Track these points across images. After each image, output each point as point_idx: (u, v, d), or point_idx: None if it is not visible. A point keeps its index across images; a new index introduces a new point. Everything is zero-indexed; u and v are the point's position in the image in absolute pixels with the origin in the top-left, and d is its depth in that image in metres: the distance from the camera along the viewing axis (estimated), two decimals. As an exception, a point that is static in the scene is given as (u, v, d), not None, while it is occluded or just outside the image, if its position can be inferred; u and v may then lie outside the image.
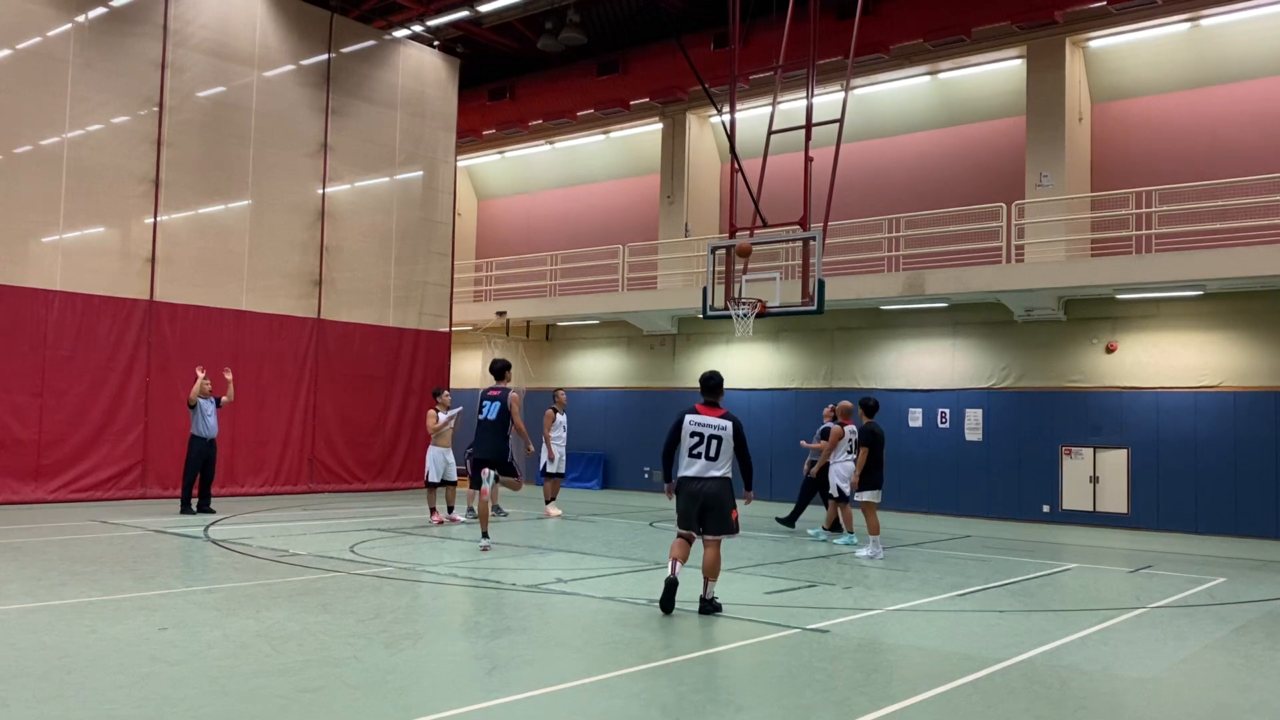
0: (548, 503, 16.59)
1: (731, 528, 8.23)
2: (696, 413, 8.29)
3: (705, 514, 8.12)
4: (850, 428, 13.57)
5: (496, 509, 15.78)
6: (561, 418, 16.75)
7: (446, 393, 15.37)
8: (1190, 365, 16.95)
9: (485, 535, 11.66)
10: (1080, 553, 13.58)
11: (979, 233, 18.42)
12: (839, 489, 13.61)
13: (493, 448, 11.57)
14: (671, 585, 8.02)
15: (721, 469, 8.17)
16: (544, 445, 16.47)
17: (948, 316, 19.24)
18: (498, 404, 11.65)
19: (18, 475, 15.83)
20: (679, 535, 8.27)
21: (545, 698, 5.57)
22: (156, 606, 7.83)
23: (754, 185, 14.52)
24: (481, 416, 11.69)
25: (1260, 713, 5.78)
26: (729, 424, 8.22)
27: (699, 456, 8.15)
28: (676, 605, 8.05)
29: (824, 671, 6.39)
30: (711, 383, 8.49)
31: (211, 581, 9.28)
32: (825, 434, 15.20)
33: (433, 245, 22.29)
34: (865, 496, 12.13)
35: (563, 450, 16.72)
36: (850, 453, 13.45)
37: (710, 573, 8.16)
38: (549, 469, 16.56)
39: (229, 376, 15.63)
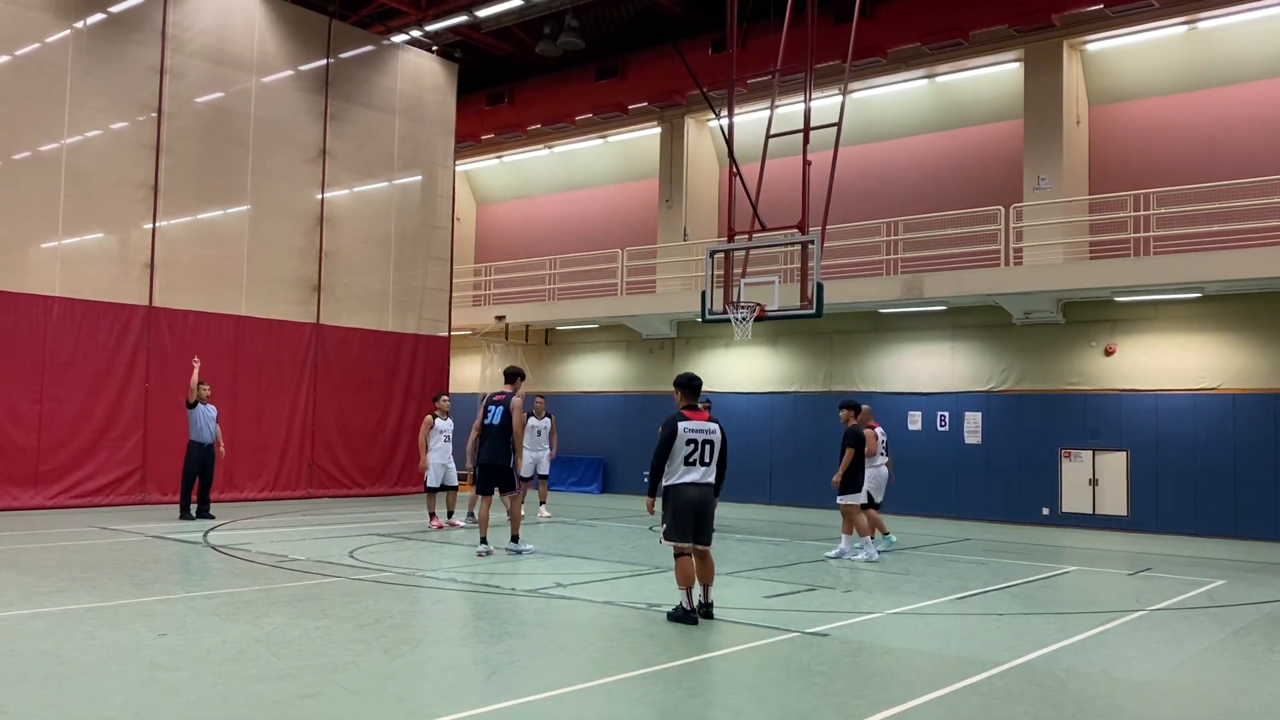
0: (541, 504, 16.63)
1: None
2: (687, 419, 8.09)
3: (700, 521, 8.02)
4: (879, 430, 13.35)
5: (470, 515, 15.70)
6: (538, 423, 16.56)
7: (445, 397, 15.36)
8: (1189, 367, 16.96)
9: (484, 541, 11.62)
10: (1079, 555, 13.57)
11: (977, 235, 18.43)
12: (869, 495, 13.13)
13: (499, 452, 11.52)
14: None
15: (714, 474, 8.11)
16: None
17: (946, 319, 19.25)
18: (500, 409, 11.61)
19: (17, 481, 15.82)
20: (682, 554, 8.00)
21: (544, 702, 5.57)
22: (155, 612, 7.82)
23: (752, 189, 14.55)
24: (486, 422, 11.68)
25: (1260, 715, 5.78)
26: (717, 427, 8.18)
27: (695, 463, 8.01)
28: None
29: (823, 675, 6.39)
30: (695, 384, 8.40)
31: (211, 587, 9.29)
32: None
33: (431, 250, 22.30)
34: (848, 500, 12.13)
35: (541, 454, 16.46)
36: (884, 455, 13.26)
37: (710, 580, 8.15)
38: (520, 473, 16.50)
39: (197, 365, 15.37)
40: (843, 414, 12.67)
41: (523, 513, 12.17)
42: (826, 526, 16.36)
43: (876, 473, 13.19)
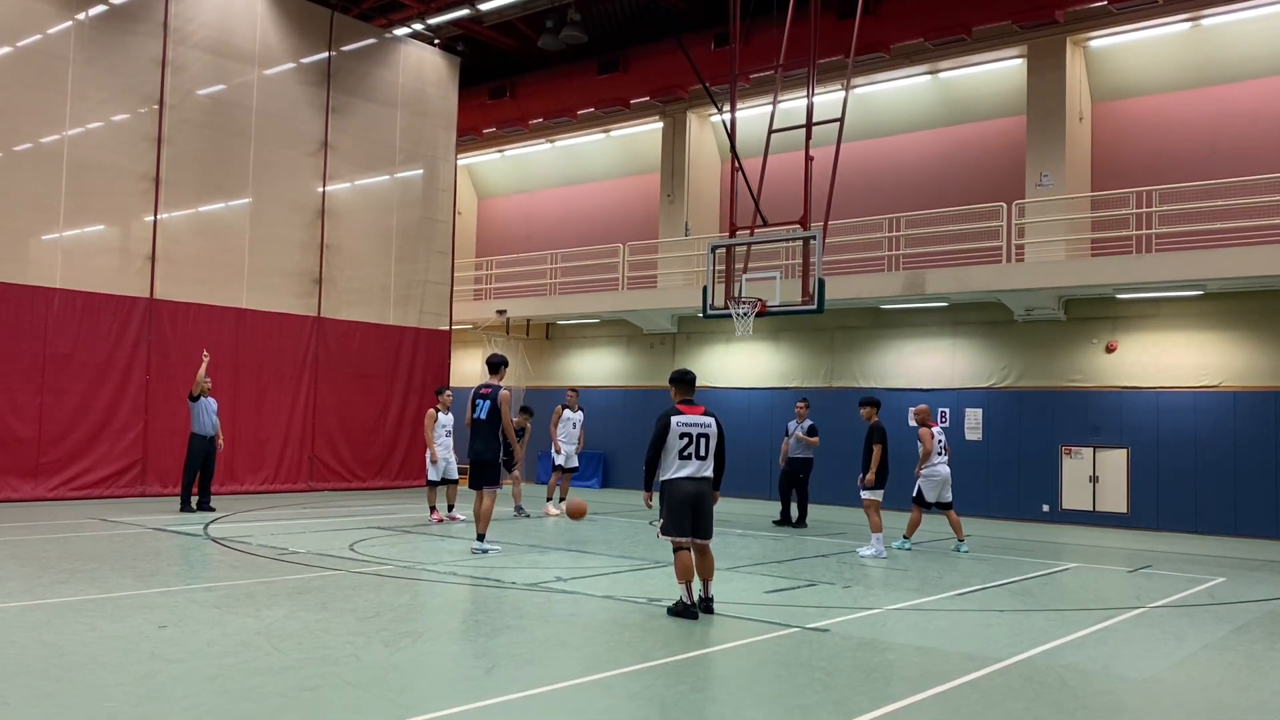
0: (548, 500, 16.63)
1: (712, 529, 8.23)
2: (680, 413, 8.10)
3: (698, 515, 8.00)
4: (937, 429, 13.01)
5: (519, 509, 15.86)
6: (573, 415, 16.74)
7: (448, 391, 15.33)
8: (1190, 365, 16.95)
9: (480, 538, 11.51)
10: (1080, 552, 13.58)
11: (979, 232, 18.42)
12: (921, 495, 13.00)
13: (487, 447, 11.30)
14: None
15: (710, 468, 8.09)
16: (552, 441, 16.69)
17: (948, 316, 19.24)
18: (488, 403, 11.33)
19: (18, 473, 15.83)
20: (680, 548, 8.00)
21: (544, 697, 5.57)
22: (156, 604, 7.82)
23: (754, 184, 14.52)
24: (475, 416, 11.39)
25: (1260, 712, 5.77)
26: (713, 420, 8.16)
27: (690, 457, 8.00)
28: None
29: (824, 671, 6.39)
30: (689, 379, 8.40)
31: (211, 579, 9.29)
32: (812, 431, 15.56)
33: (433, 244, 22.29)
34: (874, 495, 12.12)
35: (571, 448, 16.70)
36: (940, 455, 12.91)
37: (710, 574, 8.15)
38: (556, 462, 16.65)
39: (206, 358, 15.50)
40: (863, 411, 12.61)
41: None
42: (827, 522, 16.37)
43: (933, 472, 12.83)
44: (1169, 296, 16.97)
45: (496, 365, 11.70)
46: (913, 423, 13.43)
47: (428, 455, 14.66)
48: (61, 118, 16.54)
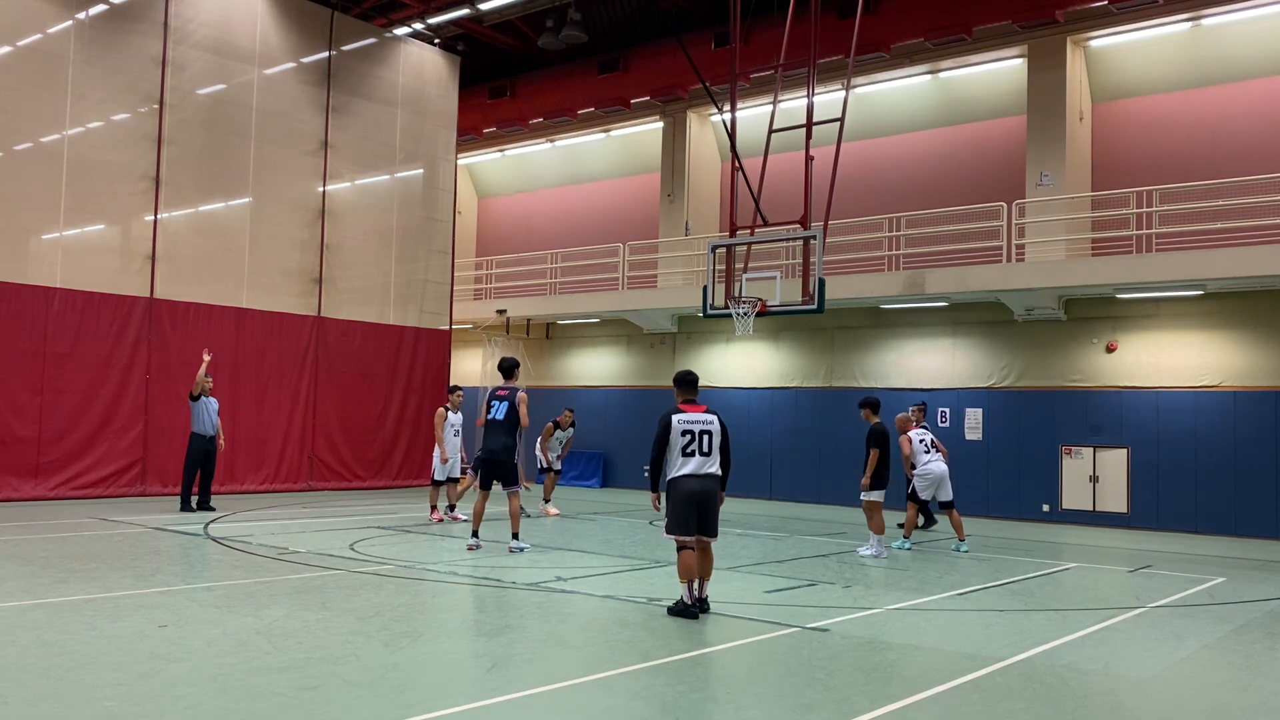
0: (544, 501, 16.67)
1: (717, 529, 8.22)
2: (681, 411, 8.14)
3: (703, 513, 8.01)
4: (915, 432, 13.35)
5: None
6: (563, 434, 17.12)
7: (460, 392, 15.24)
8: (1190, 365, 16.95)
9: (475, 535, 11.56)
10: (1080, 552, 13.58)
11: (979, 232, 18.42)
12: (916, 492, 13.30)
13: (501, 445, 11.31)
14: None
15: (715, 465, 8.10)
16: (538, 452, 17.10)
17: (948, 316, 19.24)
18: (506, 404, 11.37)
19: (18, 472, 15.83)
20: (684, 546, 7.99)
21: (544, 696, 5.57)
22: (156, 604, 7.83)
23: (754, 184, 14.51)
24: (490, 416, 11.45)
25: (1260, 712, 5.78)
26: (715, 418, 8.18)
27: (693, 455, 8.02)
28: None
29: (824, 670, 6.39)
30: (690, 379, 8.43)
31: (211, 579, 9.29)
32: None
33: (433, 243, 22.29)
34: (874, 496, 12.14)
35: (554, 454, 17.16)
36: (928, 454, 13.20)
37: (708, 575, 8.16)
38: (541, 466, 16.97)
39: (207, 358, 15.54)
40: (863, 412, 12.66)
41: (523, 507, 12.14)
42: (827, 521, 16.38)
43: (926, 471, 13.10)
44: (1169, 296, 16.97)
45: (510, 369, 11.74)
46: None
47: (435, 454, 14.61)
48: (61, 117, 16.54)
